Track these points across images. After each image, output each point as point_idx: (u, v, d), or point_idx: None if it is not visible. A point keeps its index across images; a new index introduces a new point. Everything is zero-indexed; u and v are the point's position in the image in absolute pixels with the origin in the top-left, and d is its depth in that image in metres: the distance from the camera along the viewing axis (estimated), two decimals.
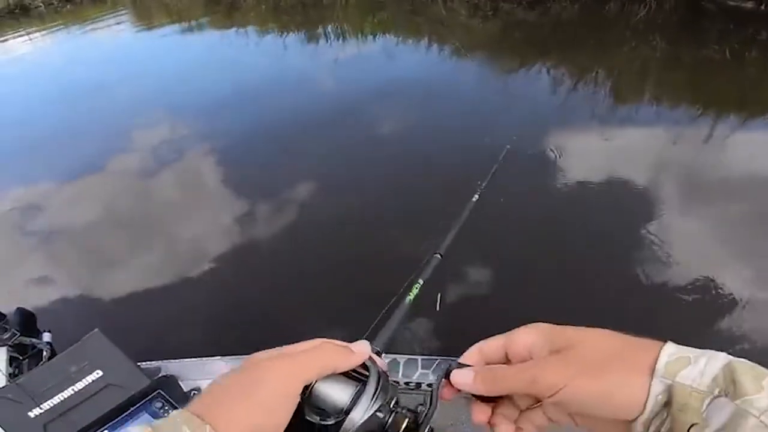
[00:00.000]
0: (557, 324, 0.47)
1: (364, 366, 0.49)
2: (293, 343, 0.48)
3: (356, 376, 0.48)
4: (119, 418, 1.35)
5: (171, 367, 1.71)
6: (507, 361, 0.48)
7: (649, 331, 0.42)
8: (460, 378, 0.48)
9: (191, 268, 3.50)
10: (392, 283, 0.95)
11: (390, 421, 0.47)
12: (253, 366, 0.45)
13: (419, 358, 1.70)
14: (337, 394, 0.46)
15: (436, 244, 1.01)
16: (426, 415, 0.49)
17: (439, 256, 0.98)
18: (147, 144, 5.38)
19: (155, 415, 1.40)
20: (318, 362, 0.46)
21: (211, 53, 8.52)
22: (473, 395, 0.48)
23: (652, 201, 3.39)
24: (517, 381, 0.44)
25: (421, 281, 0.93)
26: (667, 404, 0.39)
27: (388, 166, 4.29)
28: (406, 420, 0.48)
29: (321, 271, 3.22)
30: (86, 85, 7.85)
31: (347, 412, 0.45)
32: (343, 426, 0.44)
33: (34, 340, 1.52)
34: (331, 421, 0.45)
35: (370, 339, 0.51)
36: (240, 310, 3.05)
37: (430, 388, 1.60)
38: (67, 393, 1.34)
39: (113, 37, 10.74)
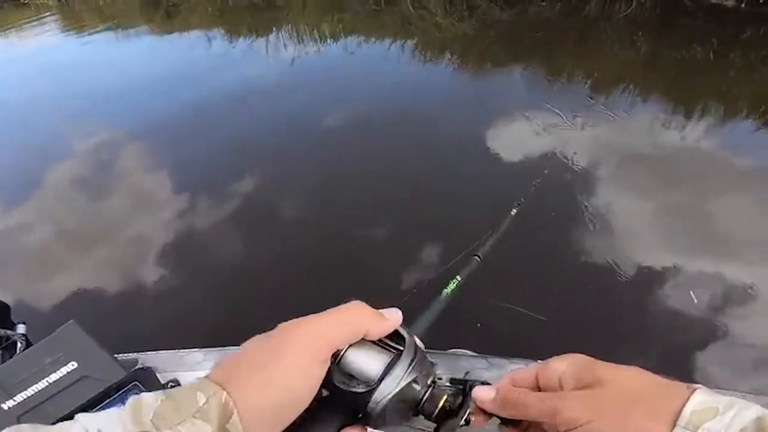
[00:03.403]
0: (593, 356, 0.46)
1: (400, 337, 0.46)
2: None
3: (391, 348, 0.45)
4: (94, 410, 1.35)
5: (148, 359, 1.69)
6: (538, 388, 0.48)
7: None
8: (481, 395, 0.48)
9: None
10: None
11: (427, 396, 0.45)
12: (279, 330, 0.42)
13: None
14: (370, 362, 0.43)
15: (476, 247, 1.03)
16: (461, 408, 0.47)
17: (478, 258, 1.00)
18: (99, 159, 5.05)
19: None
20: (347, 324, 0.43)
21: (153, 59, 7.82)
22: (500, 419, 0.48)
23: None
24: (537, 409, 0.44)
25: (458, 278, 0.96)
26: None
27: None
28: (445, 397, 0.46)
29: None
30: (12, 96, 7.21)
31: (379, 381, 0.42)
32: (374, 395, 0.42)
33: (8, 331, 1.50)
34: (360, 389, 0.42)
35: (408, 326, 0.49)
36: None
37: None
38: (42, 385, 1.32)
39: (41, 45, 9.68)
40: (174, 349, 1.75)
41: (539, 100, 4.89)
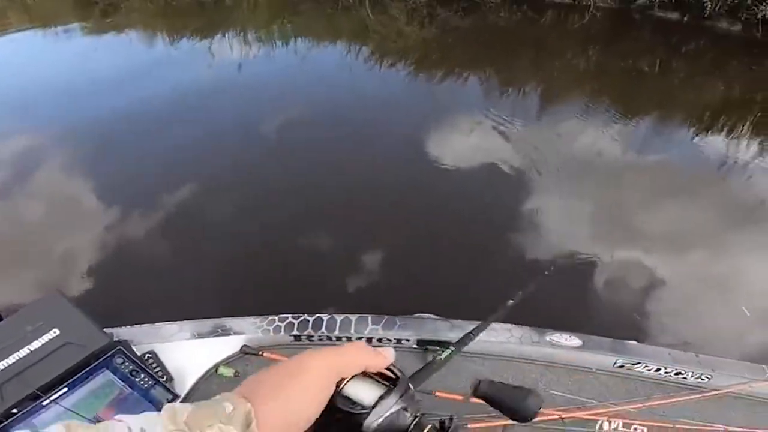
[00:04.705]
0: None
1: (395, 376, 0.54)
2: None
3: (385, 383, 0.53)
4: (78, 375, 1.36)
5: (123, 332, 1.71)
6: None
7: None
8: None
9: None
10: None
11: (414, 423, 0.51)
12: (298, 357, 0.51)
13: (369, 316, 1.81)
14: (367, 392, 0.52)
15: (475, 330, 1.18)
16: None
17: (471, 336, 1.17)
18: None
19: (116, 371, 1.41)
20: (352, 357, 0.53)
21: (86, 62, 7.10)
22: None
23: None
24: None
25: (452, 348, 1.12)
26: None
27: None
28: (430, 426, 0.52)
29: None
30: None
31: (373, 407, 0.50)
32: (369, 417, 0.49)
33: None
34: (357, 410, 0.50)
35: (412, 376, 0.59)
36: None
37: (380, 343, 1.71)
38: (23, 353, 1.32)
39: None
40: (148, 322, 1.77)
41: (491, 107, 5.06)
